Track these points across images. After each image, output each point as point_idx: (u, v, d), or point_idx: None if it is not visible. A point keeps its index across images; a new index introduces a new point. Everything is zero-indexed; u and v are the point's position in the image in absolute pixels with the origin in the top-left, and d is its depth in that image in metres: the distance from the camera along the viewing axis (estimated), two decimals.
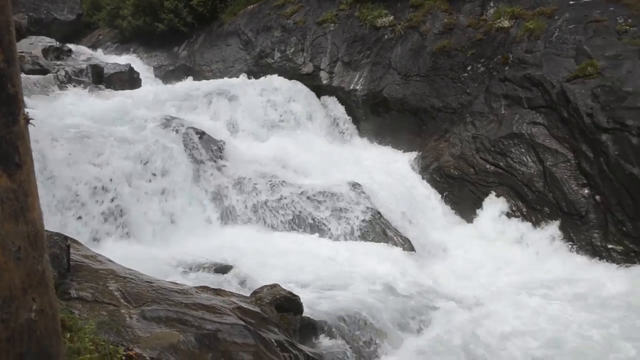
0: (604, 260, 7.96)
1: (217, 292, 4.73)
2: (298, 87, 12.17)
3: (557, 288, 7.01)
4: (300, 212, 7.84)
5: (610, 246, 8.09)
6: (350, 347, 5.18)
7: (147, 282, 4.25)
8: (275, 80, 12.06)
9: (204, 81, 12.77)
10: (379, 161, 10.27)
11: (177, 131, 8.29)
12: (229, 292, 4.93)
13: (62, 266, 3.84)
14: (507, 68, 10.14)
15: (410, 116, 11.25)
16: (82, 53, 13.32)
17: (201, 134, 8.58)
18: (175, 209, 7.44)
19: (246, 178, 8.30)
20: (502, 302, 6.35)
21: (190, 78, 14.13)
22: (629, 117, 8.41)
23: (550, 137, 9.21)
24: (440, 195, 9.45)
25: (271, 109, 11.12)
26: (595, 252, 8.13)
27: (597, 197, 8.47)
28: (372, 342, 5.27)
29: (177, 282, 4.89)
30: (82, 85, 10.68)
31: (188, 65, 14.95)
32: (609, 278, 7.19)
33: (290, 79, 12.51)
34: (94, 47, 16.49)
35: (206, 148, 8.48)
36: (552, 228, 8.49)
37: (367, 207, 7.93)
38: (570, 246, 8.30)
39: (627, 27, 9.40)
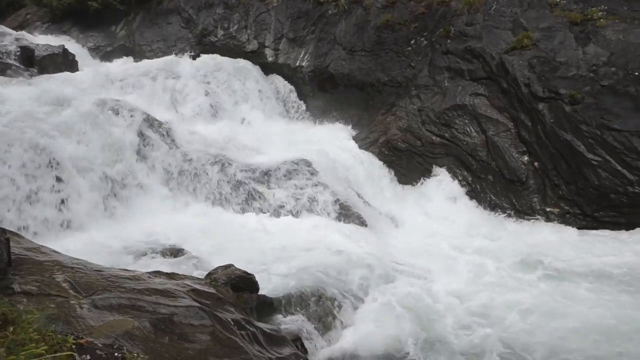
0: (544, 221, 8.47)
1: (171, 275, 4.67)
2: (244, 65, 11.96)
3: (500, 252, 7.38)
4: (251, 191, 7.81)
5: (548, 209, 8.57)
6: (308, 320, 5.29)
7: (96, 270, 4.13)
8: (219, 59, 11.79)
9: (146, 61, 12.29)
10: (328, 137, 10.34)
11: (118, 113, 7.99)
12: (183, 275, 4.88)
13: (2, 260, 3.66)
14: (449, 41, 10.37)
15: (357, 91, 11.33)
16: (7, 34, 12.42)
17: (147, 117, 8.31)
18: (123, 193, 7.24)
19: (195, 159, 8.15)
20: (450, 269, 6.63)
21: (130, 59, 13.56)
22: (562, 86, 8.85)
23: (492, 108, 9.55)
24: (389, 168, 9.65)
25: (218, 89, 10.90)
26: (535, 215, 8.60)
27: (536, 164, 8.91)
28: (329, 312, 5.40)
29: (129, 268, 4.78)
30: (11, 69, 10.03)
31: (127, 46, 14.34)
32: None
33: (234, 57, 12.27)
34: (20, 27, 15.44)
35: (153, 131, 8.23)
36: (495, 196, 8.90)
37: (318, 183, 8.00)
38: (510, 213, 8.74)
39: (558, 0, 9.79)
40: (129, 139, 7.77)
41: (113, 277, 4.08)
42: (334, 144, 9.88)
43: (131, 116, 8.07)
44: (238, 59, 12.19)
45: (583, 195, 8.33)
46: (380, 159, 9.77)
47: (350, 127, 11.04)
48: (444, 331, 5.11)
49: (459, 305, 5.66)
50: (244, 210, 7.62)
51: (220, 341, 3.61)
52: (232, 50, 12.64)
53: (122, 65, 11.88)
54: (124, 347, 2.79)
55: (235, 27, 12.90)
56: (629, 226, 7.96)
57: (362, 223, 7.58)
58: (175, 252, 6.16)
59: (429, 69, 10.43)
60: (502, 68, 9.48)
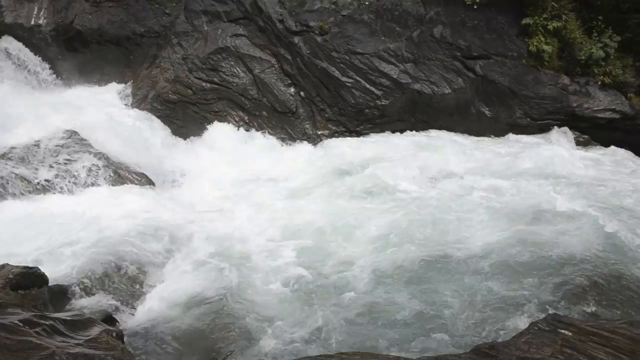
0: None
1: None
2: None
3: (288, 179, 8.03)
4: (9, 177, 6.77)
5: (319, 132, 9.53)
6: (113, 295, 5.09)
7: None
8: None
9: None
10: (91, 101, 9.41)
11: None
12: None
13: None
14: None
15: (113, 47, 10.45)
16: None
17: None
18: None
19: None
20: (246, 206, 6.97)
21: None
22: (311, 19, 9.62)
23: (253, 46, 9.89)
24: (165, 123, 9.35)
25: None
26: (310, 140, 9.48)
27: (302, 93, 9.70)
28: (134, 281, 5.26)
29: None
30: None
31: None
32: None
33: None
34: None
35: None
36: (272, 130, 9.48)
37: (91, 153, 7.36)
38: (289, 143, 9.44)
39: None
40: None
41: None
42: (99, 107, 9.06)
43: None
44: None
45: (345, 115, 9.47)
46: (155, 115, 9.36)
47: (114, 86, 10.22)
48: (250, 266, 5.44)
49: (261, 237, 6.04)
50: (7, 199, 6.61)
51: (9, 347, 3.25)
52: None
53: None
54: None
55: None
56: None
57: (149, 183, 7.34)
58: None
59: (185, 14, 10.14)
60: (256, 7, 9.79)
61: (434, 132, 9.34)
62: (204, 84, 9.65)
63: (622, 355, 3.19)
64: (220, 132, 9.20)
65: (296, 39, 9.63)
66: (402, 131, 9.42)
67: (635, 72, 9.65)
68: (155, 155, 8.24)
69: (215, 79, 9.65)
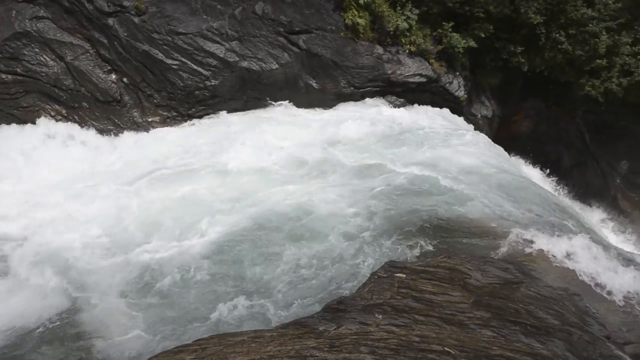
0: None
1: None
2: None
3: (117, 173, 7.52)
4: None
5: (150, 119, 9.04)
6: None
7: None
8: None
9: None
10: None
11: None
12: None
13: None
14: None
15: None
16: None
17: None
18: None
19: None
20: (57, 212, 6.32)
21: None
22: None
23: (61, 30, 8.87)
24: None
25: None
26: (140, 128, 8.95)
27: (125, 79, 9.04)
28: None
29: None
30: None
31: None
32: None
33: None
34: None
35: None
36: (97, 122, 8.71)
37: None
38: (116, 133, 8.79)
39: None
40: None
41: None
42: None
43: None
44: None
45: (175, 99, 9.11)
46: None
47: None
48: (79, 274, 5.06)
49: (81, 242, 5.63)
50: None
51: None
52: None
53: None
54: None
55: None
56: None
57: None
58: None
59: None
60: None
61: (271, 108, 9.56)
62: (4, 76, 8.37)
63: (444, 284, 3.77)
64: (32, 130, 8.09)
65: (110, 21, 8.89)
66: (235, 110, 9.43)
67: (433, 40, 10.99)
68: None
69: (18, 70, 8.44)
